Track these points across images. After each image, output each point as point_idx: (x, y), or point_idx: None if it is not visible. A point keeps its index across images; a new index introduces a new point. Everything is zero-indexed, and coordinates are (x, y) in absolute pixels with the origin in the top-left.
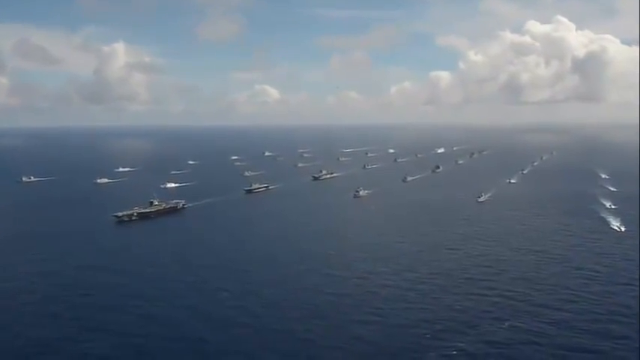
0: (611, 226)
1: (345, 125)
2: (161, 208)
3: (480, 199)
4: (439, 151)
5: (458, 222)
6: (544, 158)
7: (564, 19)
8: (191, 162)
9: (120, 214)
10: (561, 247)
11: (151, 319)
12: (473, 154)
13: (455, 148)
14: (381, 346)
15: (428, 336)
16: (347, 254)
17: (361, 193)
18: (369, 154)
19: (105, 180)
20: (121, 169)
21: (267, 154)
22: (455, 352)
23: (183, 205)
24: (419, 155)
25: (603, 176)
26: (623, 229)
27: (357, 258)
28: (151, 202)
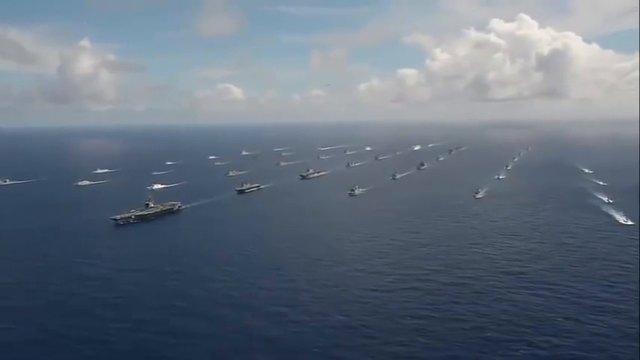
0: (618, 219)
1: (314, 123)
2: (158, 210)
3: (477, 196)
4: (415, 148)
5: (468, 218)
6: (522, 154)
7: (527, 17)
8: (169, 162)
9: (118, 217)
10: (583, 240)
11: (210, 319)
12: (451, 150)
13: (430, 145)
14: (445, 341)
15: (489, 334)
16: (371, 252)
17: (356, 191)
18: (348, 152)
19: (86, 182)
20: (99, 171)
21: (244, 153)
22: (521, 351)
23: (179, 206)
24: (397, 152)
25: (586, 171)
26: (629, 222)
27: (384, 255)
28: (147, 204)
